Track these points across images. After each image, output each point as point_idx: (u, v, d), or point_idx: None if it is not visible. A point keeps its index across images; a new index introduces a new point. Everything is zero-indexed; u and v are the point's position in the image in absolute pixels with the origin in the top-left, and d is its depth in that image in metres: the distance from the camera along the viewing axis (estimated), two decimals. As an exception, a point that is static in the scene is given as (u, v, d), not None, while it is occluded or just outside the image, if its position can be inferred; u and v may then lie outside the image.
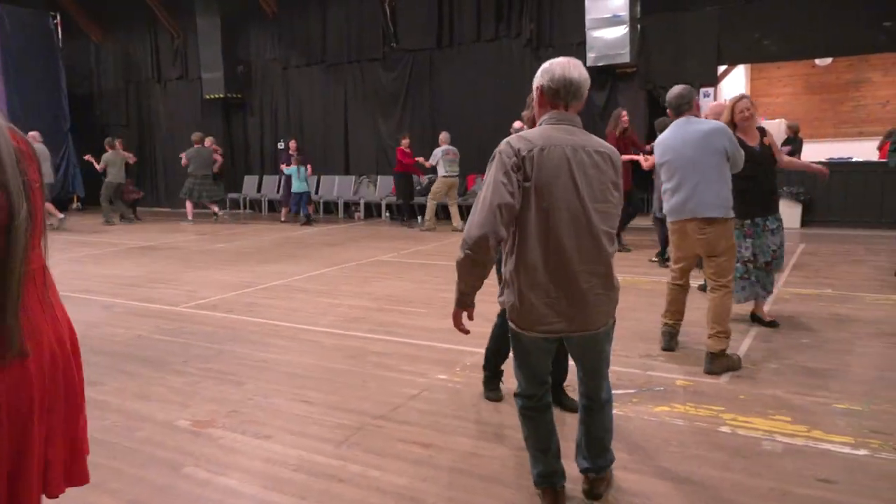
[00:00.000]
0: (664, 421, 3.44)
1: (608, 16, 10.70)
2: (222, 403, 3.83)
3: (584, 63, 10.46)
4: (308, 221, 12.78)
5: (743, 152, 4.33)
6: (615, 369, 4.20)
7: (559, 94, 2.41)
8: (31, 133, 13.08)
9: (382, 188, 13.81)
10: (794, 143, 11.65)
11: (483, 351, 3.89)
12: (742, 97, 4.93)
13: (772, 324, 5.07)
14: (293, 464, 3.06)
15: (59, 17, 16.45)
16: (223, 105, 15.67)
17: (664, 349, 4.56)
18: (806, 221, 10.35)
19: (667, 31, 10.84)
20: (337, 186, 14.42)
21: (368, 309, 5.99)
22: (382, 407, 3.71)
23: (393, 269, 7.93)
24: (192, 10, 14.96)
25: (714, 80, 11.07)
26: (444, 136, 11.33)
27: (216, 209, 13.52)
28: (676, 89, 4.36)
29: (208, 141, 13.69)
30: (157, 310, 6.15)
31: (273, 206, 15.07)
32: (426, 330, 5.24)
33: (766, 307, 5.26)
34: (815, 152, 11.83)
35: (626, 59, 10.71)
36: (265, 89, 15.32)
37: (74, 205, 16.95)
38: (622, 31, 10.63)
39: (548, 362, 2.59)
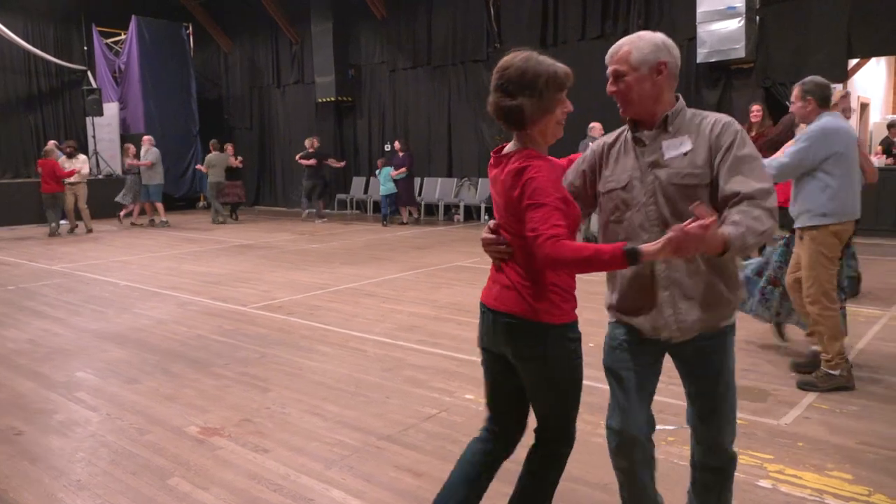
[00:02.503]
0: (695, 467, 2.99)
1: (722, 8, 9.88)
2: (239, 411, 3.78)
3: (695, 59, 9.77)
4: (385, 223, 13.24)
5: None
6: (658, 399, 3.76)
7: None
8: (144, 137, 14.11)
9: (483, 191, 13.61)
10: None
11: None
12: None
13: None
14: (276, 483, 2.94)
15: (191, 28, 17.59)
16: (335, 108, 16.10)
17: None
18: None
19: (789, 22, 9.84)
20: (439, 189, 14.38)
21: (426, 317, 5.81)
22: (393, 426, 3.51)
23: (469, 275, 7.71)
24: (309, 18, 15.49)
25: (844, 76, 9.92)
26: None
27: (308, 210, 14.28)
28: (817, 79, 3.91)
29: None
30: (225, 309, 6.30)
31: (378, 208, 15.29)
32: (474, 343, 4.97)
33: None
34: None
35: (741, 53, 9.85)
36: (373, 92, 15.58)
37: (201, 203, 18.06)
38: (737, 23, 9.77)
39: None
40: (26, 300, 6.90)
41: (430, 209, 14.56)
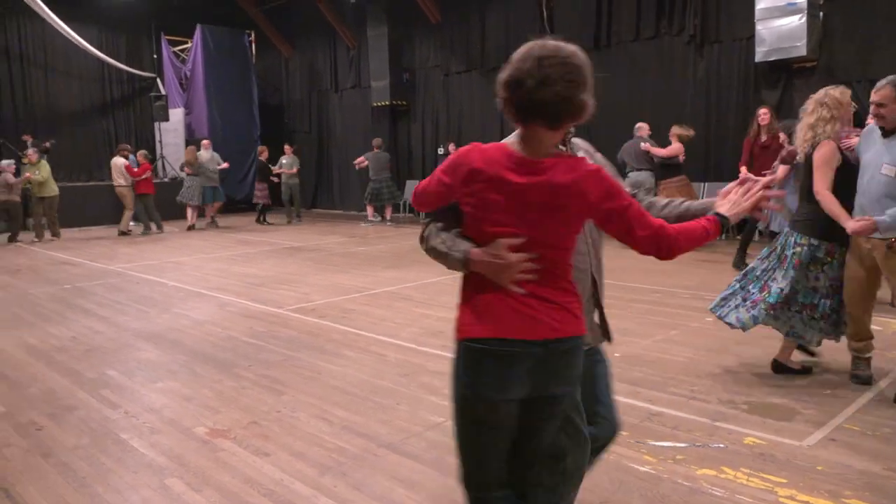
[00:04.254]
0: (699, 488, 2.83)
1: (782, 4, 9.44)
2: (250, 413, 3.82)
3: (754, 59, 9.39)
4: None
5: None
6: (676, 414, 3.60)
7: None
8: (203, 141, 14.57)
9: (535, 195, 13.44)
10: None
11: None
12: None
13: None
14: (269, 488, 2.94)
15: (253, 35, 18.08)
16: (390, 112, 16.23)
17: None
18: None
19: (854, 17, 9.32)
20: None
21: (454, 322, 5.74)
22: (397, 434, 3.47)
23: (508, 280, 7.60)
24: (365, 23, 15.68)
25: (917, 74, 9.32)
26: None
27: (383, 213, 14.43)
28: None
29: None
30: (261, 311, 6.41)
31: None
32: (497, 350, 4.89)
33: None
34: None
35: (803, 51, 9.38)
36: (427, 96, 15.63)
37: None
38: (798, 20, 9.32)
39: None
40: (78, 298, 7.21)
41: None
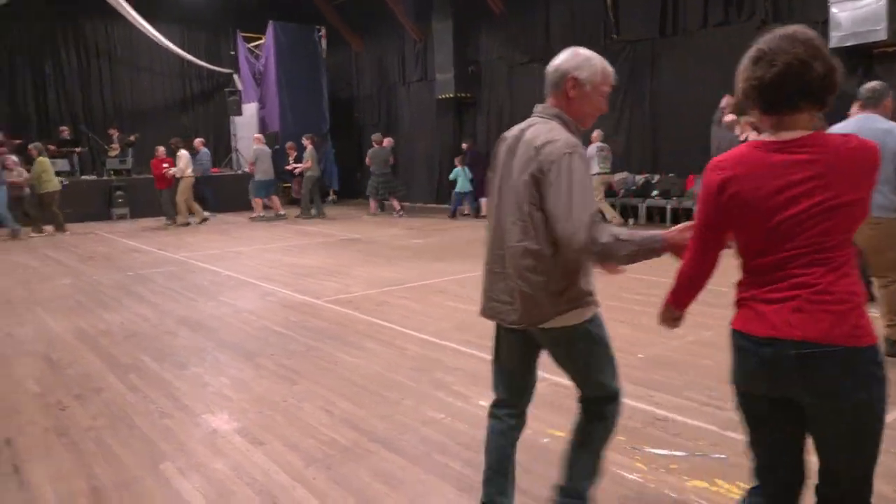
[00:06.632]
0: (685, 500, 2.70)
1: (859, -15, 8.84)
2: (258, 401, 3.91)
3: (828, 44, 8.91)
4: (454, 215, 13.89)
5: None
6: (684, 420, 3.44)
7: None
8: (255, 136, 15.00)
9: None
10: None
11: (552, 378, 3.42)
12: None
13: None
14: (254, 477, 3.00)
15: (324, 31, 18.45)
16: (455, 104, 16.22)
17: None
18: None
19: (942, -2, 8.61)
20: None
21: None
22: (392, 429, 3.48)
23: (551, 275, 7.47)
24: (431, 16, 15.73)
25: None
26: (596, 133, 11.40)
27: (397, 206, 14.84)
28: (871, 84, 4.21)
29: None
30: (299, 301, 6.55)
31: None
32: (518, 347, 4.82)
33: None
34: None
35: (883, 35, 8.74)
36: (492, 88, 15.53)
37: (330, 198, 18.92)
38: (876, 1, 8.69)
39: None
40: (137, 285, 7.58)
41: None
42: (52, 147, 15.14)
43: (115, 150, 15.99)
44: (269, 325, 5.67)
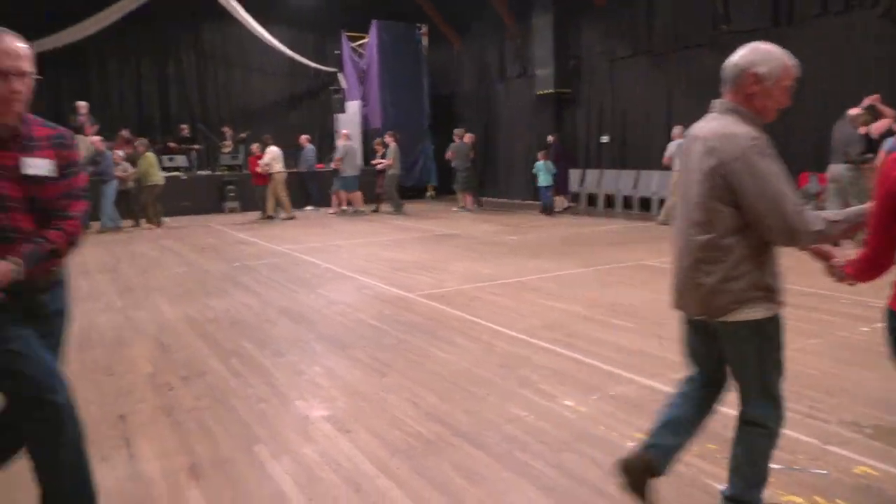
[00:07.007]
0: (778, 517, 2.56)
1: None
2: (349, 392, 4.03)
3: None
4: (548, 212, 13.79)
5: None
6: (783, 432, 3.26)
7: None
8: (343, 132, 15.39)
9: (702, 185, 12.61)
10: None
11: (642, 381, 3.37)
12: None
13: None
14: (339, 464, 3.10)
15: (425, 28, 18.68)
16: (555, 100, 16.03)
17: None
18: None
19: None
20: (656, 182, 13.63)
21: (576, 316, 5.61)
22: (476, 425, 3.49)
23: (647, 275, 7.26)
24: (532, 11, 15.62)
25: None
26: (678, 129, 11.16)
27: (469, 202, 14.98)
28: None
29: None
30: (394, 295, 6.69)
31: (592, 201, 15.01)
32: (610, 347, 4.72)
33: None
34: None
35: None
36: (592, 83, 15.22)
37: (429, 193, 19.18)
38: None
39: None
40: (243, 275, 7.98)
41: (646, 203, 13.88)
42: (172, 144, 16.20)
43: (227, 146, 16.89)
44: (364, 318, 5.82)
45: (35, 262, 2.23)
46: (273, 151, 14.02)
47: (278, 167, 14.01)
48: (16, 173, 2.23)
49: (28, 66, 2.21)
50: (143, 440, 3.42)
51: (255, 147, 14.34)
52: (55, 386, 2.26)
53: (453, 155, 14.98)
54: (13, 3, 13.74)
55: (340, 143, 15.01)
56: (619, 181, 14.54)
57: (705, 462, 2.98)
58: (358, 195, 15.04)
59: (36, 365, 2.24)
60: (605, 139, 14.97)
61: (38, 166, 2.27)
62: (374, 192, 15.47)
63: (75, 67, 16.53)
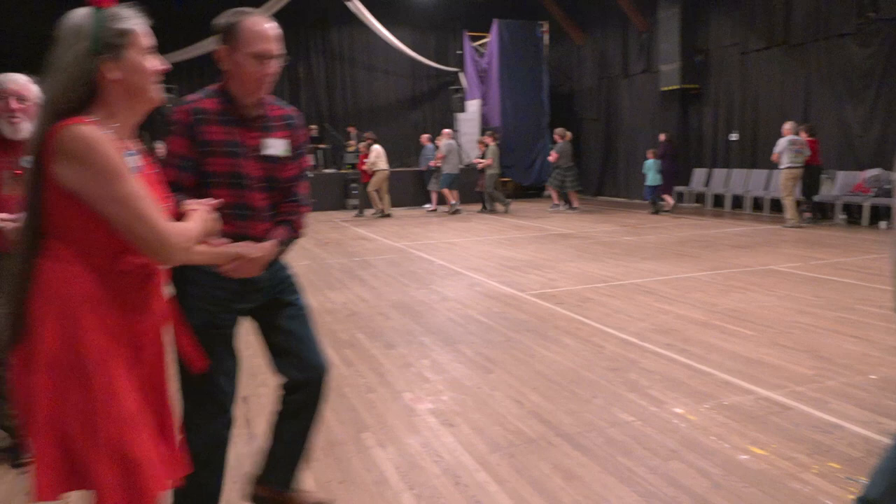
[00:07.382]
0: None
1: None
2: (454, 386, 4.11)
3: None
4: (656, 211, 13.76)
5: None
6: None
7: None
8: (444, 130, 15.44)
9: (842, 184, 11.72)
10: None
11: (760, 392, 3.24)
12: None
13: None
14: (440, 456, 3.17)
15: (546, 26, 18.53)
16: (680, 96, 15.43)
17: None
18: None
19: None
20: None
21: (692, 321, 5.40)
22: (579, 426, 3.46)
23: (774, 281, 6.84)
24: (657, 4, 15.12)
25: None
26: (788, 125, 10.72)
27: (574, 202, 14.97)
28: None
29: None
30: (504, 293, 6.71)
31: (718, 202, 14.34)
32: (726, 355, 4.51)
33: None
34: None
35: None
36: (721, 78, 14.51)
37: (547, 192, 18.97)
38: None
39: None
40: (361, 270, 8.28)
41: (776, 205, 13.06)
42: (303, 143, 17.05)
43: (351, 146, 17.54)
44: (473, 315, 5.89)
45: (288, 246, 2.40)
46: (377, 150, 14.47)
47: (382, 165, 14.44)
48: (257, 153, 2.31)
49: (278, 47, 2.31)
50: (261, 421, 3.65)
51: (362, 146, 14.84)
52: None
53: (557, 157, 14.78)
54: (157, 16, 14.98)
55: (443, 141, 15.21)
56: (748, 181, 13.78)
57: (825, 481, 2.80)
58: (454, 193, 15.22)
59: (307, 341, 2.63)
60: (733, 137, 14.24)
61: (276, 146, 2.34)
62: (473, 190, 15.57)
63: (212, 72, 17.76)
